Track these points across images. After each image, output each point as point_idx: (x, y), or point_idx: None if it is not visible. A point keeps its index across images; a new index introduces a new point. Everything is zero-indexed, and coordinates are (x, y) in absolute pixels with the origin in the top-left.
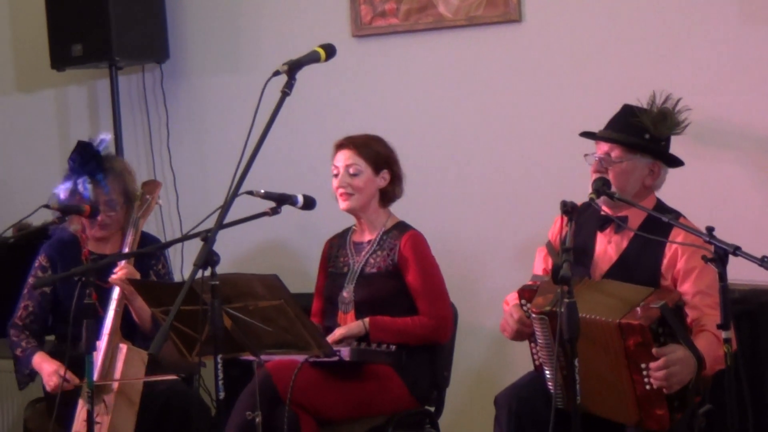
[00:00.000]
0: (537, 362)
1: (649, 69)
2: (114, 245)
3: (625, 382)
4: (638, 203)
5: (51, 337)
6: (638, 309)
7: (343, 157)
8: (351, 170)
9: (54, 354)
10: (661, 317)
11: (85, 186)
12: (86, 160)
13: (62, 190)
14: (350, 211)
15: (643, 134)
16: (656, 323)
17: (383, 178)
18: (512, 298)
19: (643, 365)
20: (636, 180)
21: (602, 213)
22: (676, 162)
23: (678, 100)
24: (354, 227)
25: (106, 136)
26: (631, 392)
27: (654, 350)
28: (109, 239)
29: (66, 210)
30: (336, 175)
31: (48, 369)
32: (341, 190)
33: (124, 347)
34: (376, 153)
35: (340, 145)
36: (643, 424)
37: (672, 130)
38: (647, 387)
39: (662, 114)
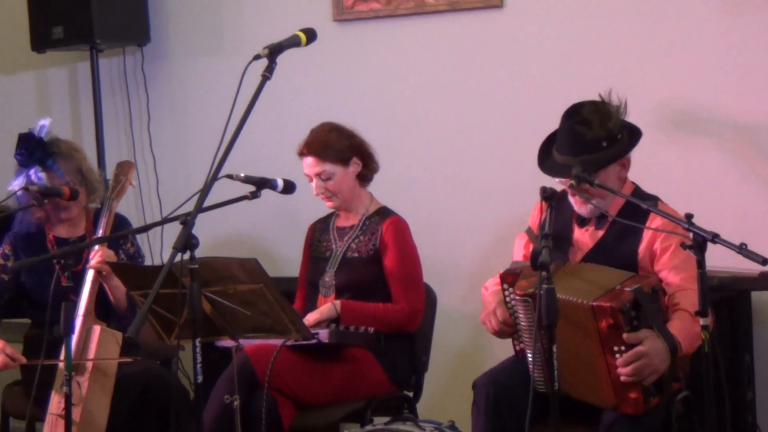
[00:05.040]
0: (518, 347)
1: (629, 56)
2: (78, 228)
3: (600, 365)
4: (618, 191)
5: (25, 320)
6: (613, 291)
7: (309, 165)
8: (322, 176)
9: (30, 339)
10: (635, 300)
11: (38, 175)
12: (32, 149)
13: (16, 186)
14: (338, 209)
15: (601, 144)
16: (629, 306)
17: (355, 164)
18: (491, 283)
19: (616, 348)
20: (612, 181)
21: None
22: (637, 135)
23: (610, 91)
24: (338, 212)
25: (45, 122)
26: (606, 375)
27: (624, 335)
28: (75, 222)
29: (46, 192)
30: (311, 181)
31: None
32: (321, 196)
33: (97, 328)
34: (337, 150)
35: (301, 153)
36: (618, 407)
37: (620, 118)
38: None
39: (603, 115)
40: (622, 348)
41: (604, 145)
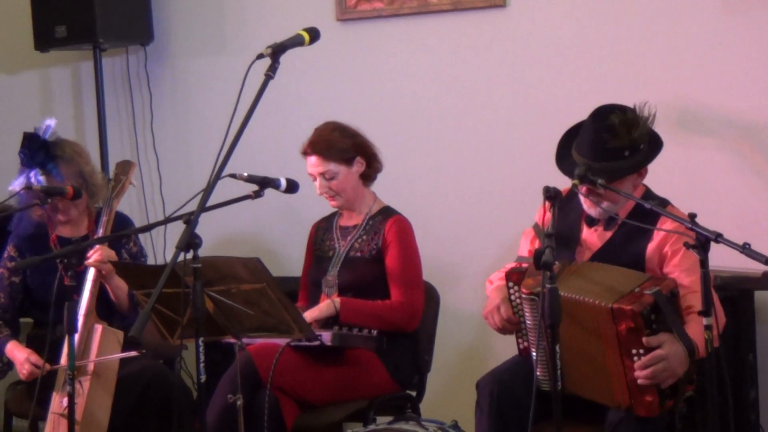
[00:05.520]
0: (522, 345)
1: (632, 55)
2: (81, 227)
3: (616, 367)
4: (626, 193)
5: (28, 320)
6: (632, 294)
7: (313, 164)
8: (326, 176)
9: (32, 338)
10: (655, 304)
11: (37, 178)
12: (35, 151)
13: (17, 186)
14: (341, 208)
15: (623, 153)
16: (649, 310)
17: (359, 164)
18: (496, 277)
19: (634, 351)
20: (626, 188)
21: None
22: (658, 146)
23: (645, 104)
24: (341, 211)
25: (51, 122)
26: (621, 376)
27: (644, 339)
28: (78, 222)
29: (49, 192)
30: (314, 180)
31: (20, 357)
32: (325, 195)
33: (99, 327)
34: (341, 150)
35: (305, 152)
36: (632, 409)
37: (646, 129)
38: None
39: (630, 124)
40: (641, 351)
41: (625, 155)
